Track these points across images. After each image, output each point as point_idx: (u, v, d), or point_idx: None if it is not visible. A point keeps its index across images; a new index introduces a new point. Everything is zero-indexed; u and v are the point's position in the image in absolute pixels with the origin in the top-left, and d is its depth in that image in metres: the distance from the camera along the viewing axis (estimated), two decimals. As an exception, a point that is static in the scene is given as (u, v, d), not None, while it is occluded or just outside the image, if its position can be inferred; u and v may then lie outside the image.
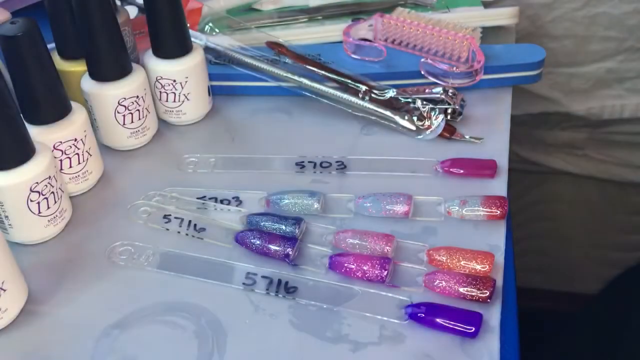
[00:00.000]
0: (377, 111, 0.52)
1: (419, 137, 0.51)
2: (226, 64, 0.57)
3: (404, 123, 0.51)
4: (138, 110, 0.50)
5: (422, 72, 0.54)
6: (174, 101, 0.53)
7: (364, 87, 0.53)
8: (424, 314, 0.36)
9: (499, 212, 0.43)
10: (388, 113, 0.52)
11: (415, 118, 0.51)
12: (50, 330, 0.39)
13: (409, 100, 0.52)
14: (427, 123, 0.51)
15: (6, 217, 0.42)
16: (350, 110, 0.53)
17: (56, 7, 0.48)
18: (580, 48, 0.80)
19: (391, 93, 0.52)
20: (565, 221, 1.00)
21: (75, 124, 0.45)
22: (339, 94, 0.53)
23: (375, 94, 0.53)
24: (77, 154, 0.46)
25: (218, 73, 0.57)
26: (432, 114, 0.51)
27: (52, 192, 0.43)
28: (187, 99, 0.53)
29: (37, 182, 0.41)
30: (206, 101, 0.54)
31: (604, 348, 0.80)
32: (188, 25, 0.51)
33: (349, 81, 0.54)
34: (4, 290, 0.37)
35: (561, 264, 1.05)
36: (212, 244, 0.43)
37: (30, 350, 0.38)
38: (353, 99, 0.52)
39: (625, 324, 0.77)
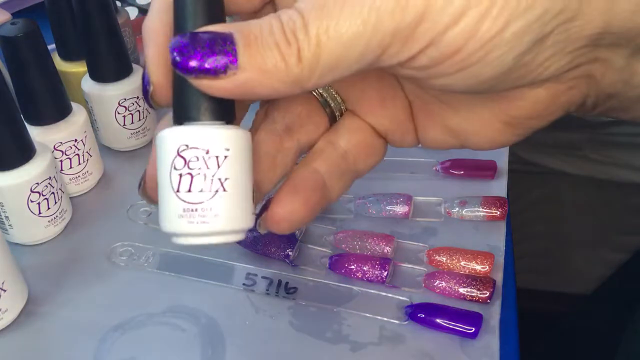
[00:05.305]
0: (377, 112, 0.52)
1: (418, 137, 0.51)
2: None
3: (404, 124, 0.51)
4: (138, 110, 0.50)
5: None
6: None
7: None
8: (424, 315, 0.37)
9: (498, 212, 0.43)
10: (388, 114, 0.51)
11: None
12: (51, 330, 0.39)
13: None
14: (427, 124, 0.51)
15: (6, 217, 0.42)
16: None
17: (57, 8, 0.48)
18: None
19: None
20: (565, 222, 1.00)
21: (75, 125, 0.45)
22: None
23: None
24: (78, 154, 0.46)
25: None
26: (432, 114, 0.51)
27: (53, 193, 0.43)
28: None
29: (37, 183, 0.41)
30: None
31: (604, 348, 0.80)
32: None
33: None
34: (4, 291, 0.37)
35: (561, 265, 1.05)
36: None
37: (31, 351, 0.38)
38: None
39: (623, 323, 0.77)
